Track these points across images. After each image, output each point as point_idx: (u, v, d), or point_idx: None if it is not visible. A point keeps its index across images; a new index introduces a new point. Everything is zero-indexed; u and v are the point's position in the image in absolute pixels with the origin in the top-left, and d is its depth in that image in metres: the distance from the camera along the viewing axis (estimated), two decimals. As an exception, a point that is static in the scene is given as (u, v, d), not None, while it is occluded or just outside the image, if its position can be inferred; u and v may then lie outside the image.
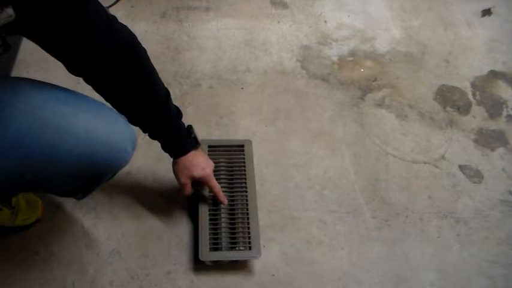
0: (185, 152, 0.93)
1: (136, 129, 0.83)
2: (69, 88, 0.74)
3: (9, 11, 0.57)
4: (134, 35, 0.76)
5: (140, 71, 0.77)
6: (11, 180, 0.67)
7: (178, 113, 0.89)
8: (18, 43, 1.28)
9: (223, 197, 1.00)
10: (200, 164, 0.94)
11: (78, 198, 0.85)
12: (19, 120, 0.65)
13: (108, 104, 0.78)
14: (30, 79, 0.71)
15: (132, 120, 0.82)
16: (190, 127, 0.94)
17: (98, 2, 0.68)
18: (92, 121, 0.71)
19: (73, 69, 0.73)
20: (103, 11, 0.69)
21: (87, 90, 0.76)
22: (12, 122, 0.64)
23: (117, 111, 0.77)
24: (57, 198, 1.05)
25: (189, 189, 0.97)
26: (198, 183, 0.98)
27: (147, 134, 0.89)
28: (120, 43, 0.72)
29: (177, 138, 0.91)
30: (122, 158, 0.77)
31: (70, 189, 0.80)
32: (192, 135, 0.94)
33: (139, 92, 0.79)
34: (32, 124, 0.65)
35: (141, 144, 1.15)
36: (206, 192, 1.04)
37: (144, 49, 0.78)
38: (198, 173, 0.94)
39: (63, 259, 0.99)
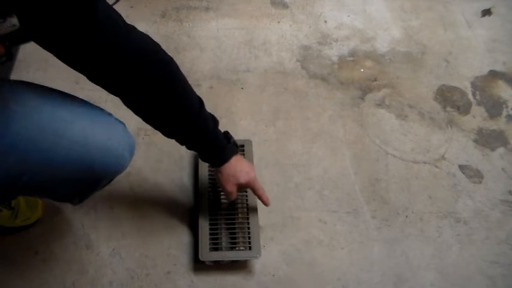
0: (227, 159, 0.88)
1: (134, 132, 0.82)
2: (68, 88, 0.74)
3: (13, 20, 0.56)
4: (157, 44, 0.73)
5: (168, 81, 0.74)
6: (8, 184, 0.67)
7: (214, 120, 0.85)
8: (17, 46, 1.28)
9: (267, 198, 0.96)
10: (244, 169, 0.91)
11: (75, 204, 0.83)
12: (16, 124, 0.64)
13: (106, 110, 0.76)
14: (28, 82, 0.70)
15: (167, 134, 0.81)
16: (227, 133, 0.91)
17: (111, 8, 0.65)
18: (89, 126, 0.70)
19: (94, 80, 0.71)
20: (116, 18, 0.66)
21: (86, 91, 0.76)
22: (10, 125, 0.64)
23: (115, 117, 0.76)
24: (57, 198, 1.05)
25: (234, 195, 0.93)
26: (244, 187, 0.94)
27: (184, 146, 0.85)
28: (139, 52, 0.69)
29: (216, 147, 0.87)
30: (119, 164, 0.76)
31: (66, 193, 0.79)
32: (232, 140, 0.90)
33: (170, 105, 0.76)
34: (29, 128, 0.65)
35: (141, 144, 1.16)
36: (206, 191, 1.04)
37: (171, 58, 0.74)
38: (244, 178, 0.90)
39: (63, 259, 0.99)
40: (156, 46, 0.72)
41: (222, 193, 1.05)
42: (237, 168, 0.90)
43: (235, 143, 0.91)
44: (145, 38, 0.71)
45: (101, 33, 0.63)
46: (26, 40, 0.62)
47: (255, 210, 1.03)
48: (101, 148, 0.71)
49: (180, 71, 0.76)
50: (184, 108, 0.78)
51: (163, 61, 0.73)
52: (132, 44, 0.68)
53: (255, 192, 0.95)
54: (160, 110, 0.76)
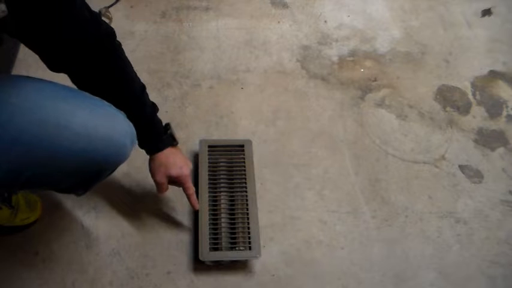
0: (161, 148, 0.91)
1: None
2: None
3: (2, 6, 0.57)
4: (112, 28, 0.79)
5: (113, 62, 0.80)
6: (11, 177, 0.67)
7: (153, 107, 0.90)
8: (18, 43, 1.28)
9: (195, 201, 0.98)
10: (177, 162, 0.93)
11: (79, 195, 0.85)
12: (18, 118, 0.65)
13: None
14: (29, 77, 0.72)
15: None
16: (168, 124, 0.94)
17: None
18: (90, 117, 0.71)
19: (51, 63, 0.77)
20: (86, 6, 0.72)
21: (87, 90, 0.76)
22: (12, 119, 0.65)
23: (116, 108, 0.78)
24: (57, 197, 1.05)
25: (164, 188, 0.96)
26: (174, 183, 0.97)
27: None
28: (103, 37, 0.75)
29: (151, 133, 0.90)
30: (122, 153, 0.77)
31: (70, 185, 0.80)
32: (169, 132, 0.93)
33: (112, 84, 0.81)
34: (31, 121, 0.66)
35: (141, 144, 1.15)
36: (206, 191, 1.04)
37: (119, 42, 0.80)
38: (175, 171, 0.92)
39: (63, 259, 0.99)
40: (112, 30, 0.79)
41: (222, 193, 1.05)
42: (169, 159, 0.92)
43: (172, 135, 0.93)
44: (105, 23, 0.78)
45: (78, 17, 0.70)
46: (13, 27, 0.64)
47: (255, 210, 1.03)
48: (103, 138, 0.72)
49: (126, 57, 0.82)
50: (127, 91, 0.83)
51: (113, 44, 0.79)
52: (98, 29, 0.75)
53: (184, 190, 0.97)
54: (104, 90, 0.80)
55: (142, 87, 0.87)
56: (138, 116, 0.85)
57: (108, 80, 0.80)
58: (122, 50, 0.81)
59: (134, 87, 0.85)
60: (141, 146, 0.92)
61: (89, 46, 0.74)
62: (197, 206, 0.99)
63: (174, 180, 0.95)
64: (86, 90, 0.79)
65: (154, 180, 0.94)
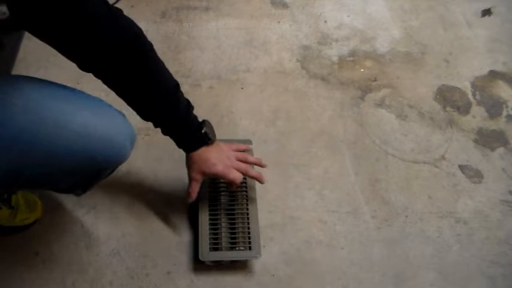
0: (195, 148, 0.91)
1: (136, 130, 0.83)
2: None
3: (3, 8, 0.57)
4: (139, 28, 0.75)
5: (144, 63, 0.77)
6: (11, 177, 0.67)
7: (188, 106, 0.88)
8: (18, 43, 1.28)
9: (258, 175, 0.97)
10: (210, 159, 0.91)
11: (78, 194, 0.85)
12: (18, 117, 0.65)
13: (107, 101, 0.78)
14: (29, 77, 0.72)
15: (141, 114, 0.84)
16: (203, 122, 0.92)
17: None
18: (90, 117, 0.71)
19: (81, 64, 0.74)
20: (103, 3, 0.69)
21: (87, 91, 0.76)
22: (13, 119, 0.65)
23: (116, 108, 0.78)
24: (57, 198, 1.05)
25: (195, 187, 0.94)
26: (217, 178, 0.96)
27: (159, 129, 0.88)
28: (123, 36, 0.72)
29: (185, 133, 0.89)
30: (121, 154, 0.77)
31: (69, 185, 0.80)
32: (203, 131, 0.90)
33: (144, 85, 0.79)
34: (31, 121, 0.66)
35: (141, 144, 1.15)
36: (206, 192, 1.04)
37: (150, 42, 0.78)
38: (209, 169, 0.92)
39: (63, 259, 0.99)
40: (136, 29, 0.75)
41: (222, 193, 1.05)
42: (202, 157, 0.91)
43: (206, 134, 0.91)
44: (129, 21, 0.74)
45: (85, 20, 0.66)
46: (14, 28, 0.64)
47: (255, 210, 1.03)
48: (103, 139, 0.72)
49: (158, 56, 0.80)
50: (160, 90, 0.82)
51: (141, 42, 0.76)
52: (116, 28, 0.71)
53: (229, 185, 0.99)
54: (137, 91, 0.80)
55: (175, 86, 0.84)
56: (171, 116, 0.85)
57: (136, 80, 0.78)
58: (151, 49, 0.78)
59: (165, 88, 0.82)
60: (178, 145, 0.91)
61: (106, 46, 0.71)
62: (263, 179, 0.98)
63: (211, 176, 0.95)
64: (116, 91, 0.78)
65: (188, 176, 0.94)
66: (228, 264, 1.00)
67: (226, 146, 0.98)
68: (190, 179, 0.94)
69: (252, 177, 0.98)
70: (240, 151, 1.01)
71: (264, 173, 1.15)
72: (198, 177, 0.94)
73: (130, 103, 0.82)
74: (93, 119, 0.72)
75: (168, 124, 0.87)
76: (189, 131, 0.90)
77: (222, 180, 1.06)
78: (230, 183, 0.96)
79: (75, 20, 0.65)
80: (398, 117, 1.31)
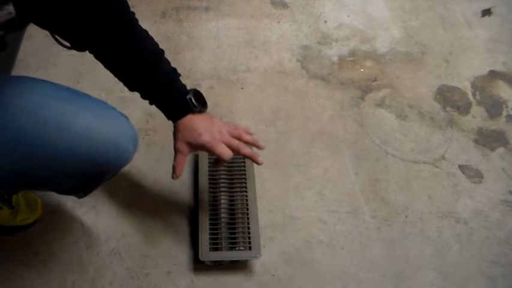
0: (179, 115, 0.84)
1: (137, 127, 0.83)
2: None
3: (10, 8, 0.57)
4: (122, 2, 0.76)
5: (127, 32, 0.76)
6: (13, 178, 0.68)
7: (173, 73, 0.84)
8: (18, 43, 1.28)
9: (252, 154, 0.86)
10: (197, 129, 0.83)
11: (80, 197, 0.85)
12: (21, 119, 0.65)
13: (109, 102, 0.78)
14: (32, 78, 0.72)
15: (127, 84, 0.83)
16: (189, 91, 0.85)
17: None
18: (93, 120, 0.72)
19: (73, 42, 0.74)
20: None
21: (87, 90, 0.77)
22: (15, 121, 0.65)
23: (119, 111, 0.78)
24: (57, 198, 1.05)
25: (180, 160, 0.85)
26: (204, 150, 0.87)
27: (147, 101, 0.85)
28: (107, 6, 0.72)
29: (169, 99, 0.84)
30: (124, 157, 0.77)
31: (71, 187, 0.80)
32: (188, 97, 0.84)
33: (127, 53, 0.78)
34: (34, 123, 0.66)
35: (142, 144, 1.15)
36: (206, 192, 1.04)
37: (132, 12, 0.77)
38: (194, 139, 0.83)
39: (63, 259, 0.99)
40: (120, 4, 0.75)
41: (222, 193, 1.05)
42: (188, 125, 0.84)
43: (191, 100, 0.84)
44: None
45: (88, 15, 0.67)
46: (20, 28, 0.64)
47: (255, 210, 1.03)
48: (105, 141, 0.72)
49: (139, 26, 0.79)
50: (143, 57, 0.80)
51: (127, 15, 0.76)
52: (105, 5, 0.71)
53: (218, 158, 0.88)
54: (121, 59, 0.79)
55: (158, 53, 0.81)
56: (154, 82, 0.81)
57: (120, 48, 0.77)
58: (133, 18, 0.78)
59: (148, 55, 0.80)
60: (166, 116, 0.86)
61: (90, 17, 0.70)
62: (260, 161, 0.88)
63: (199, 148, 0.86)
64: (102, 62, 0.78)
65: (174, 148, 0.86)
66: (228, 264, 1.00)
67: (221, 121, 0.89)
68: (175, 150, 0.85)
69: (246, 156, 0.87)
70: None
71: (264, 172, 1.15)
72: (184, 149, 0.85)
73: (116, 73, 0.81)
74: (96, 122, 0.72)
75: (152, 90, 0.83)
76: (173, 97, 0.84)
77: (221, 177, 1.06)
78: (218, 159, 0.89)
79: (75, 13, 0.66)
80: (398, 117, 1.31)
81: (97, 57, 0.79)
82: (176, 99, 0.84)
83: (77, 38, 0.73)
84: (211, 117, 0.88)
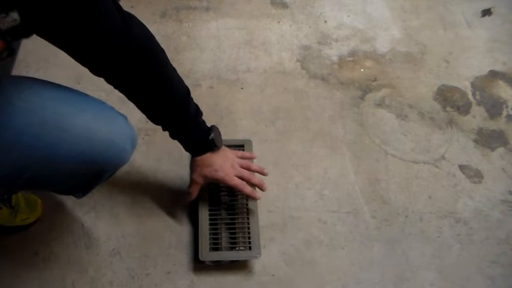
0: (200, 152, 0.93)
1: (136, 130, 0.83)
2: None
3: (14, 15, 0.57)
4: (151, 34, 0.76)
5: (157, 72, 0.78)
6: (11, 178, 0.67)
7: (197, 112, 0.90)
8: (19, 43, 1.28)
9: (252, 192, 0.98)
10: (214, 165, 0.94)
11: (78, 197, 0.85)
12: (19, 119, 0.65)
13: (108, 103, 0.78)
14: (30, 77, 0.72)
15: (152, 119, 0.86)
16: (211, 129, 0.94)
17: (111, 1, 0.67)
18: (91, 120, 0.71)
19: (94, 70, 0.74)
20: (117, 11, 0.69)
21: (88, 91, 0.76)
22: (12, 121, 0.65)
23: (117, 111, 0.78)
24: (57, 197, 1.05)
25: (195, 189, 0.97)
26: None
27: (159, 129, 0.90)
28: (136, 43, 0.72)
29: (193, 138, 0.91)
30: (122, 157, 0.77)
31: (70, 187, 0.80)
32: (210, 137, 0.92)
33: (156, 93, 0.80)
34: (32, 123, 0.66)
35: (141, 144, 1.16)
36: (206, 192, 1.04)
37: (162, 49, 0.79)
38: (211, 174, 0.94)
39: (63, 259, 0.99)
40: (149, 35, 0.76)
41: (222, 193, 1.05)
42: (206, 162, 0.94)
43: (213, 140, 0.92)
44: (141, 27, 0.75)
45: (101, 27, 0.66)
46: (26, 35, 0.63)
47: (255, 210, 1.03)
48: (103, 141, 0.72)
49: (169, 62, 0.81)
50: (171, 98, 0.83)
51: (154, 49, 0.77)
52: (129, 35, 0.71)
53: (236, 191, 1.00)
54: (149, 98, 0.81)
55: (186, 93, 0.86)
56: (180, 122, 0.87)
57: (148, 88, 0.79)
58: (164, 57, 0.79)
59: (177, 95, 0.84)
60: (185, 149, 0.94)
61: (120, 57, 0.71)
62: (257, 196, 0.99)
63: (214, 181, 0.97)
64: (128, 97, 0.80)
65: (190, 179, 0.97)
66: (228, 264, 1.00)
67: (232, 154, 1.00)
68: (192, 180, 0.96)
69: (255, 185, 0.99)
70: (245, 158, 1.03)
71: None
72: (200, 180, 0.96)
73: (141, 108, 0.84)
74: (95, 122, 0.72)
75: (177, 129, 0.89)
76: (196, 137, 0.91)
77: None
78: (234, 189, 0.98)
79: (88, 31, 0.65)
80: (398, 117, 1.31)
81: (117, 87, 0.78)
82: (199, 139, 0.92)
83: (91, 63, 0.73)
84: (226, 153, 0.97)
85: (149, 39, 0.76)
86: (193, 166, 0.95)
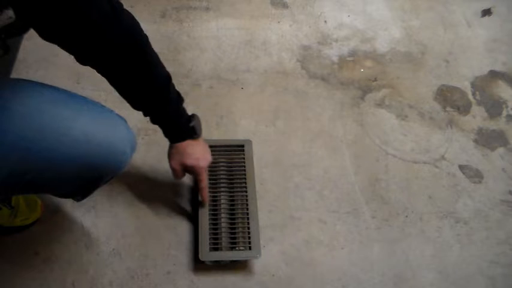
0: (181, 139, 0.92)
1: (136, 130, 0.83)
2: (68, 88, 0.74)
3: (9, 12, 0.57)
4: (138, 23, 0.76)
5: (140, 58, 0.77)
6: (10, 182, 0.67)
7: (178, 98, 0.89)
8: (18, 43, 1.28)
9: (205, 195, 1.00)
10: (195, 153, 0.94)
11: (77, 200, 0.85)
12: (17, 123, 0.64)
13: (107, 106, 0.78)
14: (29, 80, 0.71)
15: (132, 104, 0.85)
16: (192, 116, 0.93)
17: None
18: (91, 124, 0.71)
19: (79, 58, 0.74)
20: (106, 2, 0.69)
21: (87, 91, 0.77)
22: (11, 125, 0.64)
23: (117, 114, 0.77)
24: (57, 198, 1.05)
25: (179, 175, 0.97)
26: (191, 173, 0.98)
27: (159, 129, 0.90)
28: (125, 37, 0.73)
29: (173, 124, 0.91)
30: (121, 161, 0.77)
31: (69, 190, 0.80)
32: (191, 124, 0.92)
33: (137, 77, 0.80)
34: (31, 127, 0.65)
35: (141, 144, 1.16)
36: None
37: (146, 36, 0.78)
38: (190, 161, 0.93)
39: (63, 259, 0.99)
40: (135, 22, 0.76)
41: (222, 193, 1.05)
42: (187, 149, 0.93)
43: (193, 128, 0.92)
44: (130, 23, 0.75)
45: (93, 20, 0.66)
46: (21, 32, 0.63)
47: (255, 210, 1.03)
48: (103, 145, 0.72)
49: (152, 49, 0.80)
50: (152, 83, 0.82)
51: (138, 36, 0.77)
52: (118, 31, 0.72)
53: (197, 182, 0.99)
54: (131, 83, 0.80)
55: (167, 78, 0.85)
56: (161, 107, 0.86)
57: (131, 73, 0.79)
58: (147, 43, 0.79)
59: (157, 80, 0.83)
60: (165, 135, 0.93)
61: (108, 46, 0.72)
62: (206, 200, 1.01)
63: (190, 170, 0.97)
64: (109, 81, 0.79)
65: (170, 166, 0.96)
66: (228, 264, 1.00)
67: (207, 146, 1.00)
68: (171, 169, 0.96)
69: (203, 190, 1.00)
70: None
71: (264, 172, 1.15)
72: (179, 168, 0.95)
73: (122, 93, 0.82)
74: (94, 126, 0.71)
75: (158, 115, 0.88)
76: (177, 123, 0.91)
77: (221, 177, 1.06)
78: (198, 181, 0.99)
79: (79, 22, 0.65)
80: (399, 117, 1.31)
81: (101, 73, 0.78)
82: (180, 125, 0.91)
83: (79, 52, 0.73)
84: (205, 145, 0.98)
85: (136, 30, 0.76)
86: (171, 153, 0.94)
